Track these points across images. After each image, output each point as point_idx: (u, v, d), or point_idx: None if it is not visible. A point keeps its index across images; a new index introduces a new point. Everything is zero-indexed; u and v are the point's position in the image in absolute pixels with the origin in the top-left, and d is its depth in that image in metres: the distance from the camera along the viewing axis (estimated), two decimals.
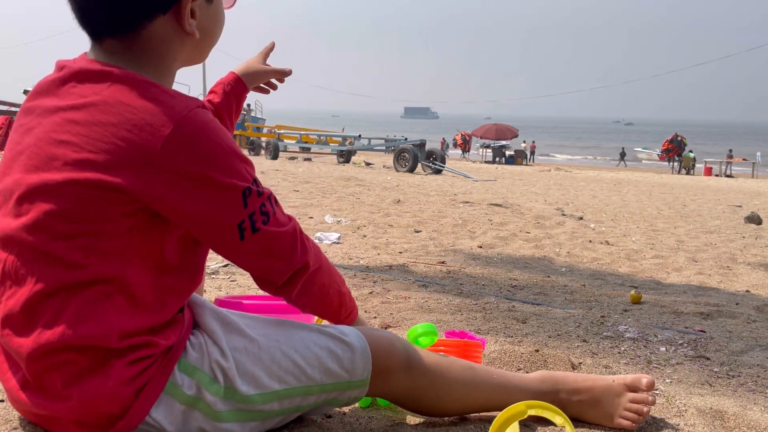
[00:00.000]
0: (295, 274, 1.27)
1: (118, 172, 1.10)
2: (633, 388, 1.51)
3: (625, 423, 1.49)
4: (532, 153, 34.92)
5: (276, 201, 1.23)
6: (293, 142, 21.45)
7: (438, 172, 16.09)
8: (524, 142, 35.31)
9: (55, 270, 1.12)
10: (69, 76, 1.18)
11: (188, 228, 1.18)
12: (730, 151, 30.19)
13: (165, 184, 1.11)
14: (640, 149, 45.70)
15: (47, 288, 1.12)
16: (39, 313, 1.13)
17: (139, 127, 1.10)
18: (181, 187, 1.12)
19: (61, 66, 1.21)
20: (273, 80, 1.86)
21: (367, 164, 17.69)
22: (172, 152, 1.10)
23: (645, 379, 1.51)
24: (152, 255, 1.17)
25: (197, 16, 1.22)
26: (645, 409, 1.49)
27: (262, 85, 1.85)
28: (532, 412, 1.34)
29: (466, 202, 7.78)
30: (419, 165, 16.16)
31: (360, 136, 20.31)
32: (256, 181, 1.20)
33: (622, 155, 37.47)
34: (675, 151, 27.60)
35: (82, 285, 1.12)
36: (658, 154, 37.06)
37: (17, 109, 13.12)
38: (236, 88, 1.76)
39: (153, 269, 1.18)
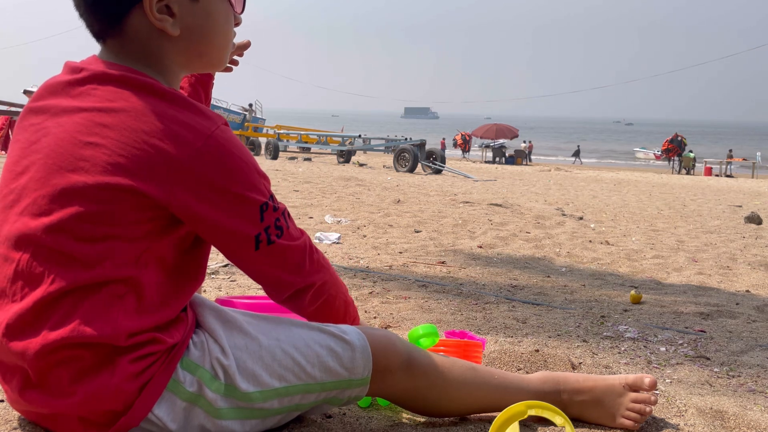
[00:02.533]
0: (304, 289, 1.31)
1: (147, 179, 1.13)
2: (635, 387, 1.50)
3: (628, 423, 1.48)
4: (529, 153, 34.84)
5: (289, 215, 1.28)
6: (293, 142, 21.46)
7: (438, 172, 16.09)
8: (524, 142, 35.27)
9: (73, 271, 1.12)
10: (88, 78, 1.19)
11: (206, 237, 1.23)
12: (730, 151, 30.16)
13: (190, 193, 1.15)
14: (638, 149, 45.71)
15: (62, 288, 1.12)
16: (49, 313, 1.13)
17: (171, 137, 1.13)
18: (205, 198, 1.16)
19: (77, 68, 1.21)
20: (234, 57, 1.84)
21: (360, 165, 17.65)
22: (199, 164, 1.14)
23: (648, 378, 1.51)
24: (163, 257, 1.19)
25: (177, 13, 1.22)
26: (647, 409, 1.49)
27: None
28: (532, 413, 1.33)
29: (466, 202, 7.78)
30: (419, 165, 16.17)
31: (360, 136, 20.31)
32: (272, 197, 1.25)
33: (577, 153, 37.37)
34: (675, 151, 27.58)
35: (96, 286, 1.13)
36: (654, 154, 36.97)
37: (17, 109, 13.06)
38: (201, 77, 1.77)
39: (162, 270, 1.20)
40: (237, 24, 1.35)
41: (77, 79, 1.19)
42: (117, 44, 1.23)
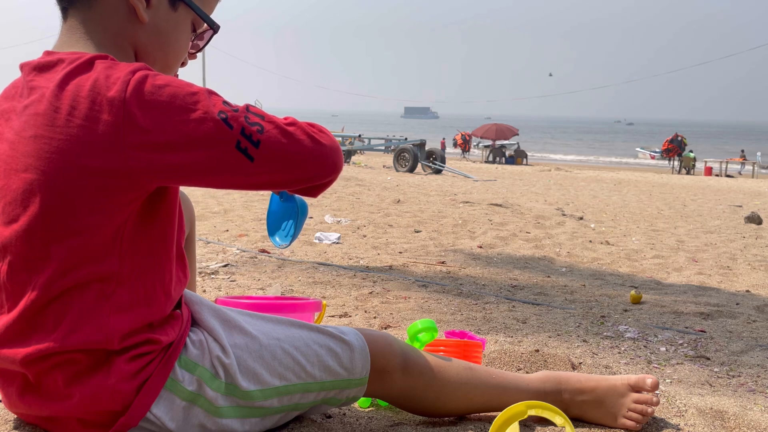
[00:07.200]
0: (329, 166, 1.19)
1: (94, 153, 1.07)
2: (637, 388, 1.50)
3: (629, 423, 1.48)
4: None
5: (256, 109, 1.15)
6: None
7: (438, 172, 16.09)
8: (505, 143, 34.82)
9: (51, 275, 1.11)
10: (28, 73, 1.17)
11: (196, 182, 1.13)
12: (742, 151, 30.14)
13: (143, 147, 1.07)
14: (638, 148, 45.76)
15: (45, 296, 1.11)
16: (39, 322, 1.12)
17: (91, 100, 1.08)
18: (162, 145, 1.07)
19: (21, 66, 1.20)
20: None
21: (354, 164, 17.57)
22: (134, 116, 1.06)
23: (650, 379, 1.50)
24: (140, 244, 1.15)
25: (153, 5, 1.20)
26: (649, 410, 1.48)
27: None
28: (532, 413, 1.33)
29: (466, 202, 7.78)
30: (419, 165, 16.18)
31: (360, 135, 20.32)
32: (226, 102, 1.13)
33: (512, 148, 36.65)
34: (675, 151, 27.55)
35: (79, 287, 1.12)
36: (650, 154, 36.89)
37: None
38: None
39: (143, 263, 1.16)
40: (191, 52, 1.33)
41: (23, 77, 1.18)
42: (78, 18, 1.19)
